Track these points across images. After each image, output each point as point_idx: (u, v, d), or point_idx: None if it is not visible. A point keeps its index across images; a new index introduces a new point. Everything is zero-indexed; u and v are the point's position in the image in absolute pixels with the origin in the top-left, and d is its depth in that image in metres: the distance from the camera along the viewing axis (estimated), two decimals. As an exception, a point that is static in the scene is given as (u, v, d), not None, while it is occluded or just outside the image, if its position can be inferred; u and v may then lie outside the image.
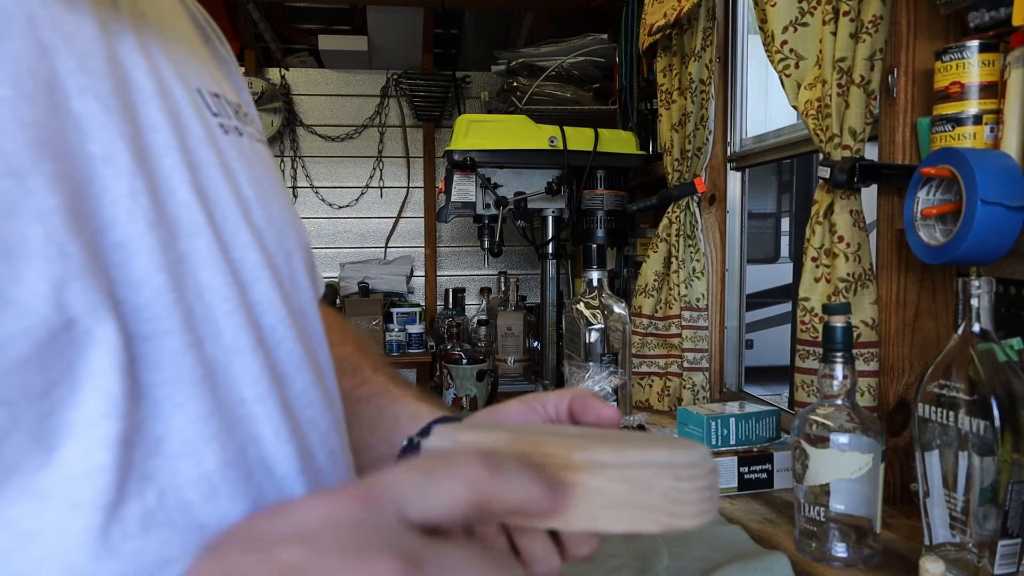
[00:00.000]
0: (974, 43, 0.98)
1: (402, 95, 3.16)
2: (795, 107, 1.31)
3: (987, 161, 0.91)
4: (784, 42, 1.31)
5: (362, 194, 3.19)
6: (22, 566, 0.29)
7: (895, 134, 1.13)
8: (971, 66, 0.98)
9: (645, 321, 1.89)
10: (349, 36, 3.05)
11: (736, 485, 1.23)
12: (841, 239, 1.20)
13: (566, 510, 0.36)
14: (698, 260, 1.79)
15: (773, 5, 1.32)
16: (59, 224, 0.30)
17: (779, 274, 5.11)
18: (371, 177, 3.19)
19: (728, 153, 1.85)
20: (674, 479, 0.37)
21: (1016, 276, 1.03)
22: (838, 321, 0.94)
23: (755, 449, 1.30)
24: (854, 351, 1.00)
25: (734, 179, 1.86)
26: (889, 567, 0.94)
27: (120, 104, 0.36)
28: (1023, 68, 0.91)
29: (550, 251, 2.10)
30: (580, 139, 2.00)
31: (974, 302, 0.84)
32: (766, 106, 2.43)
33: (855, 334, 1.16)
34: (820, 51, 1.24)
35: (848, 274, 1.19)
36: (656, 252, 1.87)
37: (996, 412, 0.80)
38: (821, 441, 0.94)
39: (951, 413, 0.84)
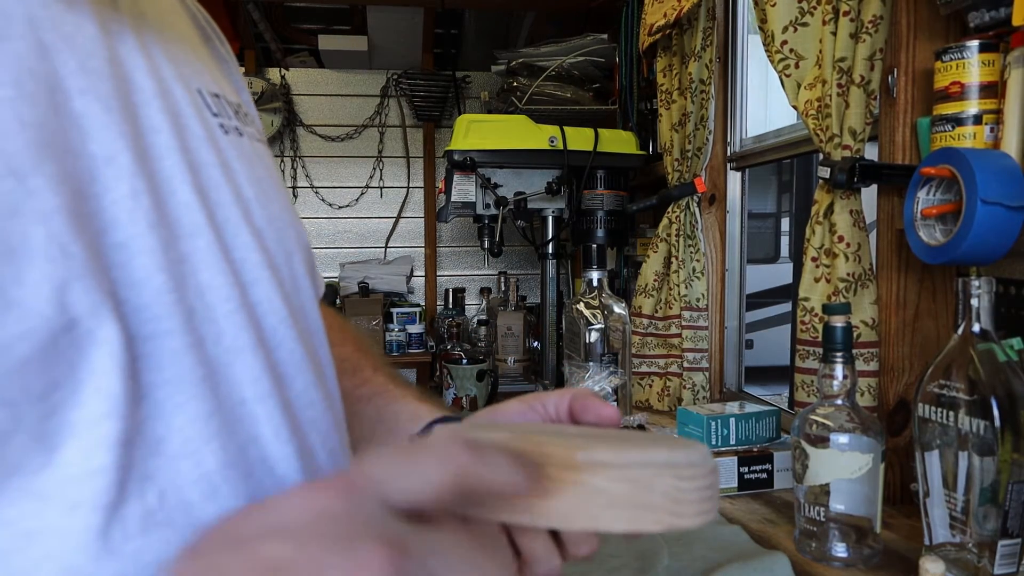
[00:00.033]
0: (974, 43, 0.98)
1: (402, 95, 3.16)
2: (795, 107, 1.31)
3: (987, 161, 0.91)
4: (784, 42, 1.31)
5: (362, 194, 3.19)
6: (23, 566, 0.29)
7: (895, 134, 1.13)
8: (971, 66, 0.98)
9: (645, 321, 1.89)
10: (349, 36, 3.05)
11: (736, 485, 1.23)
12: (841, 239, 1.20)
13: (547, 497, 0.36)
14: (698, 260, 1.79)
15: (773, 5, 1.32)
16: (61, 224, 0.30)
17: (779, 274, 5.11)
18: (371, 177, 3.19)
19: (728, 153, 1.85)
20: (675, 479, 0.37)
21: (1016, 276, 1.03)
22: (838, 321, 0.94)
23: (755, 449, 1.30)
24: (854, 351, 1.00)
25: (734, 179, 1.86)
26: (889, 567, 0.94)
27: (121, 105, 0.36)
28: (1023, 68, 0.91)
29: (550, 251, 2.10)
30: (580, 139, 2.00)
31: (974, 302, 0.84)
32: (766, 106, 2.43)
33: (855, 334, 1.16)
34: (820, 51, 1.24)
35: (848, 274, 1.19)
36: (656, 252, 1.87)
37: (996, 412, 0.80)
38: (821, 441, 0.94)
39: (951, 413, 0.84)
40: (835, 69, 1.18)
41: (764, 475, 1.25)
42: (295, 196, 3.13)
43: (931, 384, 0.87)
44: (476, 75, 3.17)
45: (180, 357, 0.35)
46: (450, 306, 3.07)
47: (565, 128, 2.00)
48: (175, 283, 0.35)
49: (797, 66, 1.30)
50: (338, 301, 2.92)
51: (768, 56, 1.35)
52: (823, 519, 0.95)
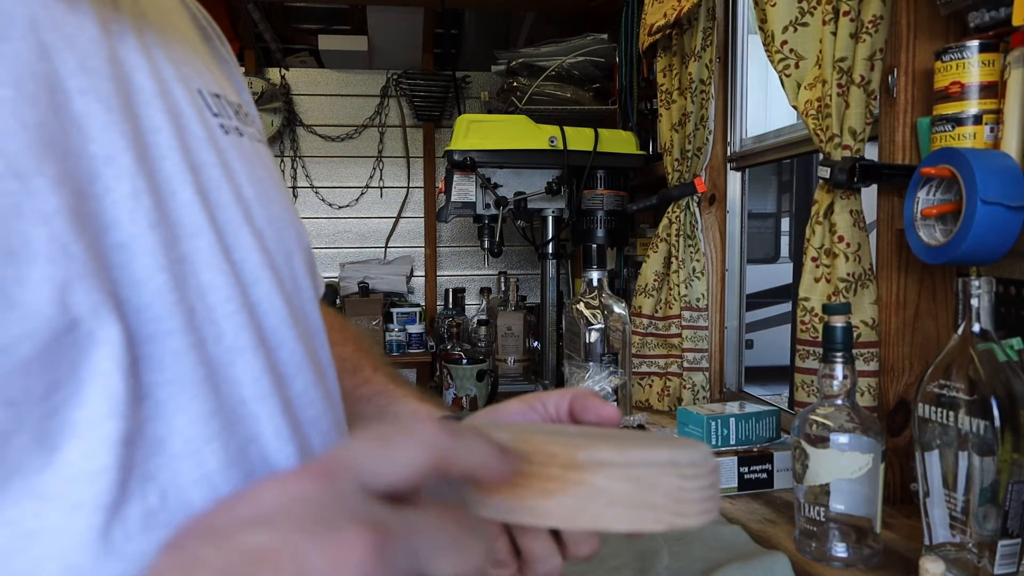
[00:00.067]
0: (974, 43, 0.98)
1: (402, 95, 3.16)
2: (795, 107, 1.31)
3: (987, 161, 0.91)
4: (784, 42, 1.31)
5: (362, 194, 3.19)
6: (24, 566, 0.29)
7: (895, 134, 1.13)
8: (971, 66, 0.98)
9: (645, 321, 1.89)
10: (349, 36, 3.06)
11: (736, 485, 1.23)
12: (841, 239, 1.20)
13: (549, 496, 0.36)
14: (698, 260, 1.80)
15: (773, 5, 1.32)
16: (62, 225, 0.30)
17: (779, 274, 5.11)
18: (371, 177, 3.19)
19: (728, 153, 1.85)
20: (678, 478, 0.37)
21: (1016, 276, 1.03)
22: (838, 321, 0.94)
23: (755, 449, 1.30)
24: (854, 351, 1.00)
25: (734, 179, 1.86)
26: (889, 567, 0.94)
27: (121, 105, 0.36)
28: (1023, 68, 0.92)
29: (550, 251, 2.10)
30: (580, 139, 2.00)
31: (974, 302, 0.84)
32: (766, 106, 2.43)
33: (855, 334, 1.16)
34: (820, 51, 1.24)
35: (848, 274, 1.19)
36: (656, 252, 1.87)
37: (996, 412, 0.80)
38: (821, 441, 0.94)
39: (951, 413, 0.84)
40: (835, 69, 1.18)
41: (764, 475, 1.25)
42: (295, 196, 3.13)
43: (931, 384, 0.87)
44: (476, 75, 3.17)
45: (181, 357, 0.35)
46: (450, 306, 3.07)
47: (565, 128, 2.00)
48: (176, 283, 0.35)
49: (797, 66, 1.30)
50: (338, 301, 2.92)
51: (768, 56, 1.35)
52: (823, 519, 0.95)
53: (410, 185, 3.22)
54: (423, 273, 3.23)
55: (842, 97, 1.18)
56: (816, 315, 1.25)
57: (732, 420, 1.35)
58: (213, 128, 0.42)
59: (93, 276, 0.31)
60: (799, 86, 1.30)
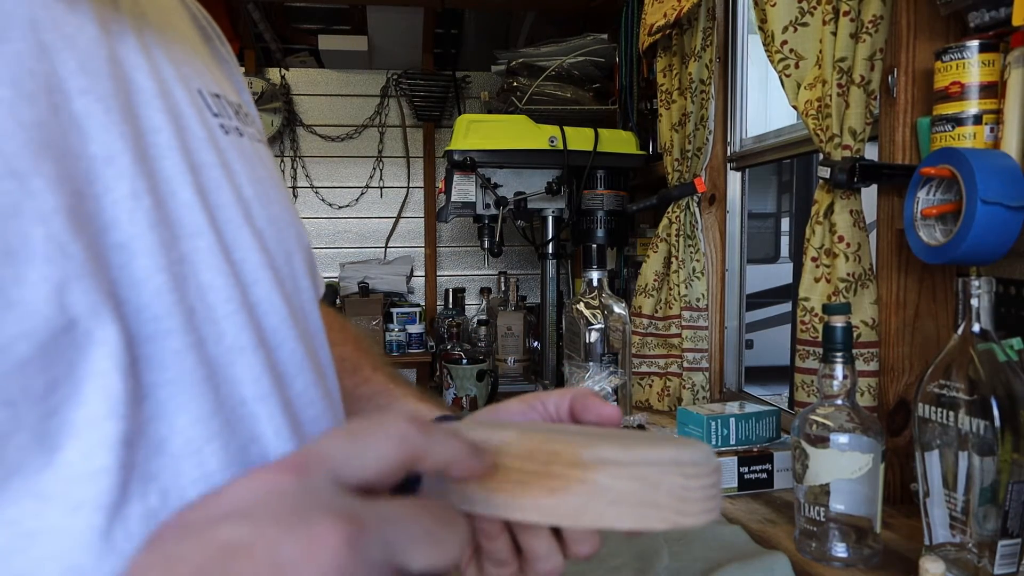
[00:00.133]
0: (974, 43, 0.98)
1: (402, 95, 3.16)
2: (795, 107, 1.31)
3: (987, 161, 0.91)
4: (784, 42, 1.31)
5: (362, 194, 3.19)
6: (24, 566, 0.29)
7: (895, 134, 1.13)
8: (971, 66, 0.98)
9: (645, 321, 1.89)
10: (349, 36, 3.05)
11: (736, 485, 1.23)
12: (841, 239, 1.20)
13: (553, 495, 0.37)
14: (698, 260, 1.80)
15: (773, 5, 1.32)
16: (60, 225, 0.30)
17: (779, 274, 5.11)
18: (371, 177, 3.19)
19: (728, 153, 1.85)
20: (681, 477, 0.37)
21: (1016, 276, 1.03)
22: (838, 321, 0.94)
23: (755, 449, 1.30)
24: (854, 351, 1.00)
25: (734, 179, 1.86)
26: (889, 567, 0.94)
27: (121, 105, 0.36)
28: (1023, 68, 0.92)
29: (550, 251, 2.10)
30: (580, 139, 2.00)
31: (974, 302, 0.84)
32: (766, 106, 2.43)
33: (855, 334, 1.16)
34: (820, 51, 1.24)
35: (848, 274, 1.19)
36: (656, 252, 1.87)
37: (996, 412, 0.80)
38: (821, 441, 0.94)
39: (951, 413, 0.84)
40: (835, 69, 1.18)
41: (764, 475, 1.25)
42: (295, 196, 3.13)
43: (931, 384, 0.87)
44: (476, 75, 3.17)
45: (181, 357, 0.35)
46: (450, 306, 3.07)
47: (565, 128, 2.00)
48: (176, 283, 0.35)
49: (797, 66, 1.30)
50: (338, 301, 2.92)
51: (768, 56, 1.35)
52: (823, 519, 0.95)
53: (410, 185, 3.22)
54: (423, 273, 3.23)
55: (842, 97, 1.18)
56: (816, 315, 1.25)
57: (732, 420, 1.35)
58: (213, 128, 0.42)
59: (91, 276, 0.31)
60: (799, 86, 1.30)
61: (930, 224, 1.00)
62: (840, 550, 0.95)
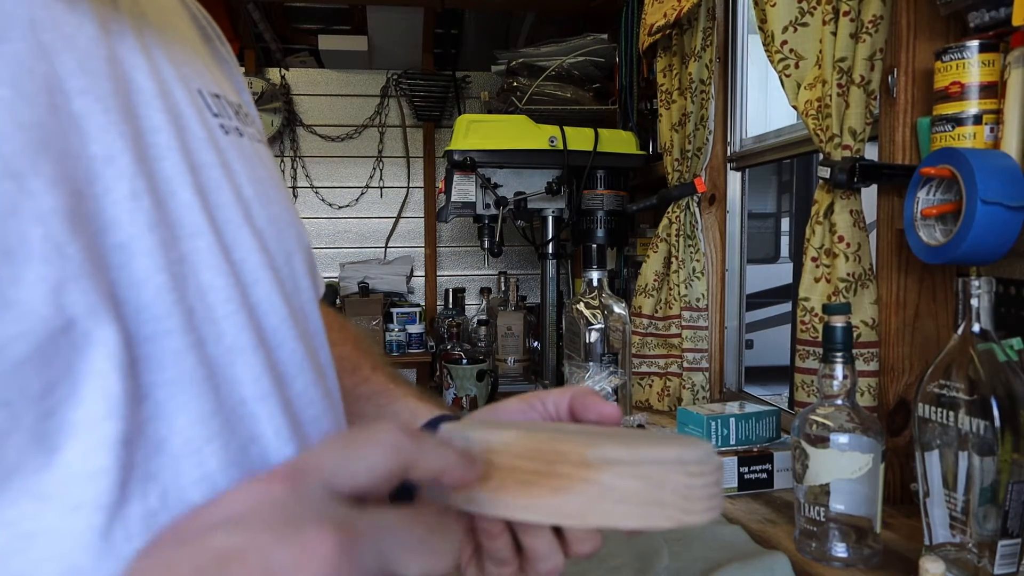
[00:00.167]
0: (974, 43, 0.98)
1: (402, 95, 3.16)
2: (795, 107, 1.31)
3: (987, 161, 0.91)
4: (784, 42, 1.31)
5: (362, 194, 3.19)
6: (23, 567, 0.29)
7: (895, 134, 1.13)
8: (971, 66, 0.98)
9: (645, 321, 1.89)
10: (349, 36, 3.05)
11: (736, 485, 1.23)
12: (841, 239, 1.20)
13: (558, 494, 0.37)
14: (698, 260, 1.80)
15: (773, 5, 1.32)
16: (58, 225, 0.30)
17: (779, 274, 5.11)
18: (371, 177, 3.19)
19: (728, 153, 1.85)
20: (685, 476, 0.37)
21: (1016, 276, 1.03)
22: (838, 321, 0.94)
23: (755, 449, 1.30)
24: (854, 351, 1.00)
25: (734, 179, 1.86)
26: (889, 567, 0.94)
27: (121, 105, 0.36)
28: (1023, 68, 0.91)
29: (550, 251, 2.10)
30: (580, 139, 2.00)
31: (974, 302, 0.84)
32: (766, 106, 2.43)
33: (855, 334, 1.16)
34: (820, 51, 1.24)
35: (848, 274, 1.19)
36: (656, 252, 1.87)
37: (996, 412, 0.80)
38: (821, 441, 0.94)
39: (951, 413, 0.84)
40: (835, 69, 1.18)
41: (764, 475, 1.25)
42: (295, 196, 3.13)
43: (931, 384, 0.87)
44: (476, 75, 3.17)
45: (181, 357, 0.35)
46: (450, 306, 3.07)
47: (565, 128, 2.00)
48: (175, 283, 0.35)
49: (797, 66, 1.30)
50: (338, 301, 2.92)
51: (768, 56, 1.35)
52: (823, 519, 0.95)
53: (410, 185, 3.22)
54: (423, 273, 3.23)
55: (842, 97, 1.18)
56: (816, 315, 1.25)
57: (732, 420, 1.35)
58: (213, 128, 0.42)
59: (90, 276, 0.31)
60: (799, 86, 1.30)
61: (930, 224, 1.00)
62: (840, 550, 0.95)
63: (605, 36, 2.29)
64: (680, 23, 1.75)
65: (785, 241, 5.41)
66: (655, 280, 1.88)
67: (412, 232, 3.24)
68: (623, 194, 2.07)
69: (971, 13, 1.00)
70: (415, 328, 2.92)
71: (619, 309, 1.65)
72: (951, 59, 0.99)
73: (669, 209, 1.85)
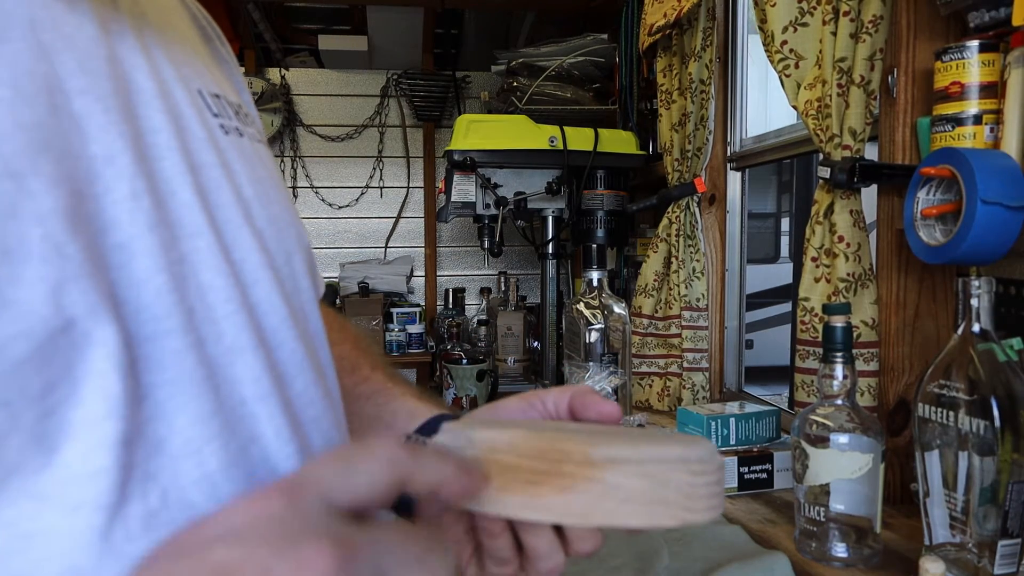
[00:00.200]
0: (974, 43, 0.98)
1: (402, 95, 3.16)
2: (795, 107, 1.31)
3: (987, 161, 0.91)
4: (784, 42, 1.31)
5: (362, 194, 3.19)
6: (24, 567, 0.29)
7: (895, 134, 1.13)
8: (971, 66, 0.98)
9: (645, 321, 1.89)
10: (349, 36, 3.05)
11: (736, 485, 1.23)
12: (841, 239, 1.20)
13: (564, 493, 0.37)
14: (698, 260, 1.80)
15: (773, 5, 1.32)
16: (58, 225, 0.30)
17: (779, 274, 5.11)
18: (371, 177, 3.19)
19: (728, 153, 1.85)
20: (688, 474, 0.38)
21: (1016, 276, 1.03)
22: (838, 321, 0.94)
23: (755, 449, 1.30)
24: (854, 351, 1.00)
25: (734, 179, 1.86)
26: (889, 567, 0.94)
27: (121, 105, 0.36)
28: (1023, 68, 0.91)
29: (550, 251, 2.10)
30: (580, 139, 2.00)
31: (974, 302, 0.84)
32: (766, 106, 2.43)
33: (855, 334, 1.16)
34: (820, 51, 1.24)
35: (848, 274, 1.19)
36: (656, 252, 1.87)
37: (996, 412, 0.80)
38: (821, 441, 0.94)
39: (951, 413, 0.84)
40: (835, 69, 1.18)
41: (764, 475, 1.25)
42: (295, 196, 3.13)
43: (931, 384, 0.87)
44: (476, 75, 3.17)
45: (181, 357, 0.35)
46: (450, 306, 3.07)
47: (565, 128, 2.00)
48: (175, 283, 0.35)
49: (797, 66, 1.30)
50: (338, 301, 2.92)
51: (768, 56, 1.35)
52: (823, 519, 0.95)
53: (410, 185, 3.22)
54: (423, 273, 3.23)
55: (842, 97, 1.18)
56: (816, 315, 1.25)
57: (732, 420, 1.35)
58: (213, 128, 0.42)
59: (90, 277, 0.31)
60: (799, 86, 1.30)
61: (930, 224, 1.00)
62: (840, 550, 0.95)
63: (605, 36, 2.29)
64: (680, 23, 1.75)
65: (785, 241, 5.41)
66: (655, 280, 1.88)
67: (412, 232, 3.24)
68: (623, 194, 2.07)
69: (971, 13, 1.00)
70: (415, 328, 2.92)
71: (619, 309, 1.65)
72: (951, 59, 0.99)
73: (669, 209, 1.85)
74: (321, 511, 0.31)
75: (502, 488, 0.38)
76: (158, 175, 0.37)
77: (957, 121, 0.99)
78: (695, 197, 1.80)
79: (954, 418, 0.84)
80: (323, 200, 3.16)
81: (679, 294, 1.80)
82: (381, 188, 3.20)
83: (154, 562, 0.30)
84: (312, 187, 3.16)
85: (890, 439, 1.13)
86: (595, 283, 1.67)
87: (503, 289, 2.70)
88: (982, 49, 0.97)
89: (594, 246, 2.05)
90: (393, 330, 2.88)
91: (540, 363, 2.21)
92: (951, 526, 0.86)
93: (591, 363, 1.63)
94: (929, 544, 0.88)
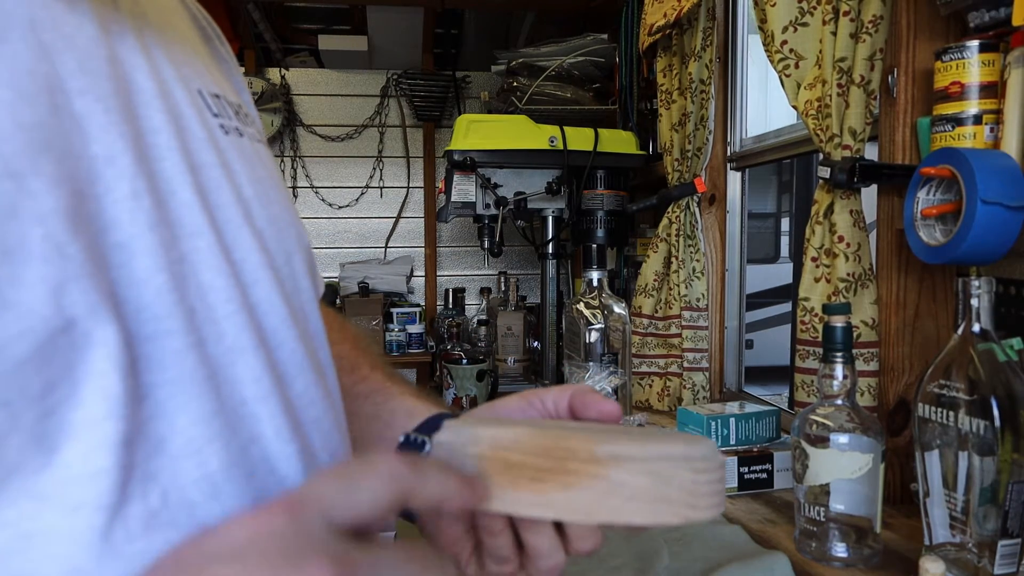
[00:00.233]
0: (974, 43, 0.98)
1: (402, 95, 3.16)
2: (795, 107, 1.31)
3: (987, 161, 0.91)
4: (784, 42, 1.31)
5: (362, 194, 3.19)
6: (24, 567, 0.29)
7: (895, 134, 1.13)
8: (971, 66, 0.98)
9: (645, 321, 1.89)
10: (349, 36, 3.05)
11: (736, 485, 1.23)
12: (841, 239, 1.20)
13: (569, 490, 0.37)
14: (698, 260, 1.80)
15: (773, 5, 1.32)
16: (58, 225, 0.30)
17: (779, 274, 5.11)
18: (371, 177, 3.19)
19: (728, 153, 1.85)
20: (691, 472, 0.38)
21: (1016, 276, 1.03)
22: (838, 321, 0.94)
23: (755, 449, 1.30)
24: (854, 351, 1.00)
25: (734, 179, 1.86)
26: (889, 567, 0.94)
27: (121, 105, 0.36)
28: (1023, 68, 0.91)
29: (550, 251, 2.10)
30: (580, 139, 2.00)
31: (974, 302, 0.84)
32: (766, 106, 2.43)
33: (855, 334, 1.16)
34: (820, 51, 1.24)
35: (848, 274, 1.19)
36: (656, 252, 1.87)
37: (996, 412, 0.80)
38: (821, 441, 0.94)
39: (951, 413, 0.84)
40: (835, 69, 1.18)
41: (764, 475, 1.25)
42: (295, 196, 3.13)
43: (931, 384, 0.87)
44: (476, 75, 3.17)
45: (182, 357, 0.35)
46: (450, 306, 3.07)
47: (565, 128, 2.00)
48: (176, 283, 0.35)
49: (797, 66, 1.30)
50: (338, 301, 2.92)
51: (768, 56, 1.35)
52: (823, 519, 0.95)
53: (410, 185, 3.22)
54: (423, 273, 3.23)
55: (842, 97, 1.18)
56: (816, 315, 1.25)
57: (732, 420, 1.35)
58: (213, 128, 0.42)
59: (90, 277, 0.31)
60: (799, 86, 1.30)
61: (930, 224, 1.00)
62: (840, 550, 0.95)
63: (605, 36, 2.29)
64: (680, 23, 1.75)
65: (785, 241, 5.41)
66: (655, 280, 1.87)
67: (412, 232, 3.24)
68: (623, 194, 2.07)
69: (971, 13, 1.00)
70: (415, 328, 2.92)
71: (619, 309, 1.65)
72: (951, 59, 0.99)
73: (669, 209, 1.85)
74: (322, 529, 0.31)
75: (507, 485, 0.38)
76: (158, 175, 0.37)
77: (957, 121, 0.99)
78: (695, 197, 1.80)
79: (954, 418, 0.84)
80: (323, 200, 3.16)
81: (679, 294, 1.80)
82: (381, 188, 3.20)
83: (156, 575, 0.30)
84: (312, 187, 3.16)
85: (890, 439, 1.13)
86: (595, 283, 1.67)
87: (503, 289, 2.70)
88: (982, 49, 0.97)
89: (594, 246, 2.05)
90: (393, 330, 2.88)
91: (540, 363, 2.21)
92: (951, 526, 0.86)
93: (591, 363, 1.63)
94: (929, 544, 0.88)
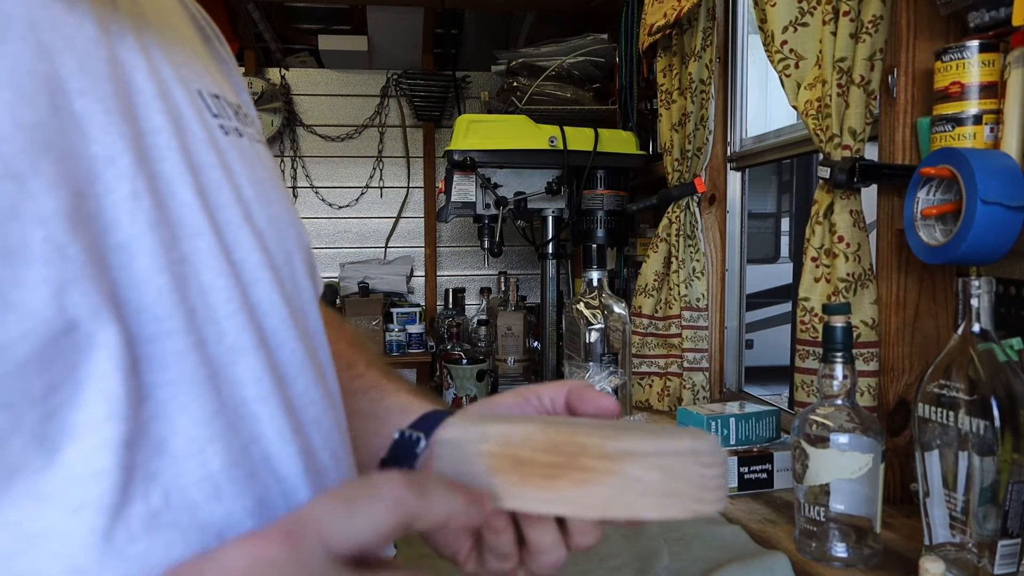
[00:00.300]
0: (974, 43, 0.98)
1: (402, 95, 3.16)
2: (795, 107, 1.31)
3: (987, 161, 0.91)
4: (784, 42, 1.31)
5: (362, 194, 3.19)
6: (25, 568, 0.29)
7: (895, 134, 1.13)
8: (971, 66, 0.98)
9: (645, 321, 1.89)
10: (349, 36, 3.05)
11: (736, 485, 1.23)
12: (841, 239, 1.20)
13: (582, 486, 0.37)
14: (698, 260, 1.80)
15: (773, 5, 1.32)
16: (59, 226, 0.30)
17: (779, 274, 5.11)
18: (371, 177, 3.19)
19: (728, 153, 1.85)
20: (699, 466, 0.38)
21: (1016, 276, 1.03)
22: (838, 321, 0.94)
23: (755, 449, 1.30)
24: (854, 351, 1.00)
25: (734, 179, 1.86)
26: (889, 567, 0.94)
27: (121, 106, 0.36)
28: (1023, 68, 0.91)
29: (550, 251, 2.10)
30: (580, 139, 2.00)
31: (974, 302, 0.84)
32: (766, 106, 2.43)
33: (855, 334, 1.16)
34: (820, 51, 1.24)
35: (848, 274, 1.19)
36: (656, 252, 1.87)
37: (996, 412, 0.80)
38: (821, 441, 0.94)
39: (951, 413, 0.84)
40: (835, 69, 1.18)
41: (764, 475, 1.25)
42: (295, 196, 3.13)
43: (931, 384, 0.87)
44: (476, 75, 3.17)
45: (182, 358, 0.35)
46: (450, 306, 3.07)
47: (565, 128, 2.00)
48: (177, 284, 0.35)
49: (797, 66, 1.30)
50: (338, 301, 2.92)
51: (768, 56, 1.35)
52: (823, 519, 0.95)
53: (410, 185, 3.22)
54: (423, 273, 3.23)
55: (842, 97, 1.18)
56: (816, 315, 1.25)
57: (732, 420, 1.35)
58: (213, 129, 0.42)
59: (92, 278, 0.31)
60: (799, 86, 1.30)
61: (930, 224, 1.00)
62: (840, 550, 0.95)
63: (605, 36, 2.29)
64: (680, 23, 1.75)
65: (785, 241, 5.41)
66: (655, 280, 1.87)
67: (412, 232, 3.24)
68: (623, 194, 2.07)
69: (971, 13, 1.00)
70: (415, 328, 2.92)
71: (619, 309, 1.65)
72: (951, 59, 0.99)
73: (669, 209, 1.85)
74: (321, 559, 0.31)
75: (519, 482, 0.38)
76: (158, 176, 0.37)
77: (957, 121, 0.99)
78: (695, 197, 1.80)
79: (954, 418, 0.84)
80: (323, 200, 3.16)
81: (679, 294, 1.80)
82: (381, 188, 3.20)
83: None
84: (312, 187, 3.16)
85: (890, 439, 1.13)
86: (595, 283, 1.67)
87: (503, 289, 2.70)
88: (982, 49, 0.97)
89: (594, 246, 2.05)
90: (393, 330, 2.88)
91: (540, 363, 2.21)
92: (951, 526, 0.86)
93: (591, 363, 1.63)
94: (929, 544, 0.88)
